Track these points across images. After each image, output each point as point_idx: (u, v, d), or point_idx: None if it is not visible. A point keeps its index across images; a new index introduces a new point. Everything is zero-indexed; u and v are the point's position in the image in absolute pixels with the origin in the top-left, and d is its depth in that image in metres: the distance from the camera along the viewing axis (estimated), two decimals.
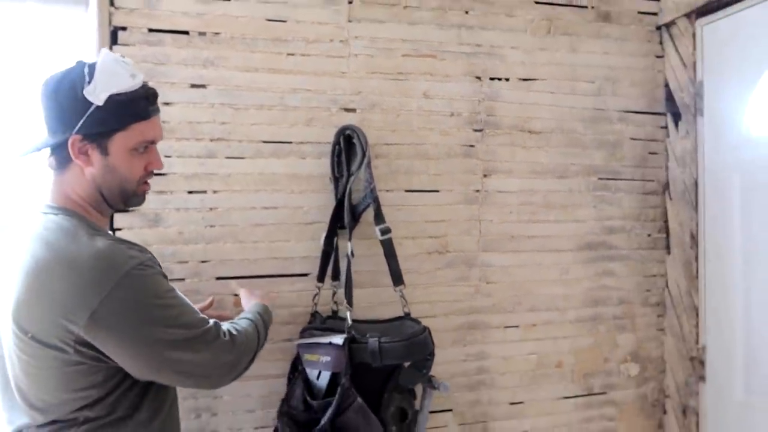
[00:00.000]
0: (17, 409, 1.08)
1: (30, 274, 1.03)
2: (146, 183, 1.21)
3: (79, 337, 1.01)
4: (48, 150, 1.14)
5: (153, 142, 1.18)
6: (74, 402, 1.05)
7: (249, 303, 1.48)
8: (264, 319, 1.38)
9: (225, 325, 1.22)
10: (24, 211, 1.18)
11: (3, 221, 1.22)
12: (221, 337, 1.16)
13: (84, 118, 1.08)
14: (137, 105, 1.12)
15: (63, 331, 1.00)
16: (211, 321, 1.17)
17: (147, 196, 1.24)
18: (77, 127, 1.08)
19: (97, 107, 1.08)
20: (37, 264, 1.03)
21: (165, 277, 1.14)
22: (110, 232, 1.21)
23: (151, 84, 1.60)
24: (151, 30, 1.65)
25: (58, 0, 1.67)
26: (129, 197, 1.18)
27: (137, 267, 1.05)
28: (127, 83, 1.10)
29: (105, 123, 1.09)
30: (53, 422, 1.06)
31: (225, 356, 1.15)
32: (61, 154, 1.12)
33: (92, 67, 1.09)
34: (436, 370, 1.71)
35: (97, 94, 1.07)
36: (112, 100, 1.08)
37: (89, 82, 1.08)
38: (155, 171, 1.21)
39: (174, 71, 1.67)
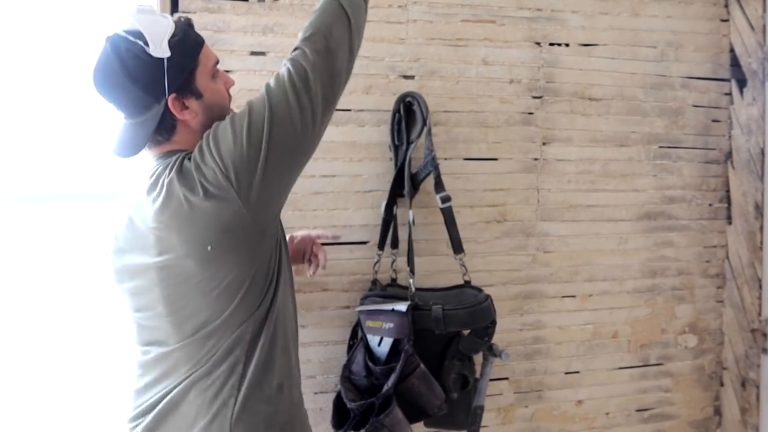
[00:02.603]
0: None
1: None
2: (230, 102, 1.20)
3: None
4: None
5: (217, 62, 1.17)
6: None
7: None
8: None
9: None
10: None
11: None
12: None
13: (167, 75, 1.05)
14: (189, 36, 1.10)
15: None
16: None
17: None
18: (167, 87, 1.05)
19: (169, 59, 1.05)
20: None
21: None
22: None
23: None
24: None
25: None
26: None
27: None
28: (168, 24, 1.07)
29: (183, 68, 1.08)
30: None
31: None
32: (165, 125, 1.09)
33: (133, 33, 1.05)
34: (494, 338, 1.70)
35: (162, 48, 1.05)
36: (173, 45, 1.06)
37: (146, 44, 1.04)
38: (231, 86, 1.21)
39: (234, 39, 1.66)
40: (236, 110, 1.52)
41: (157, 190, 1.06)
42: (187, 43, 1.08)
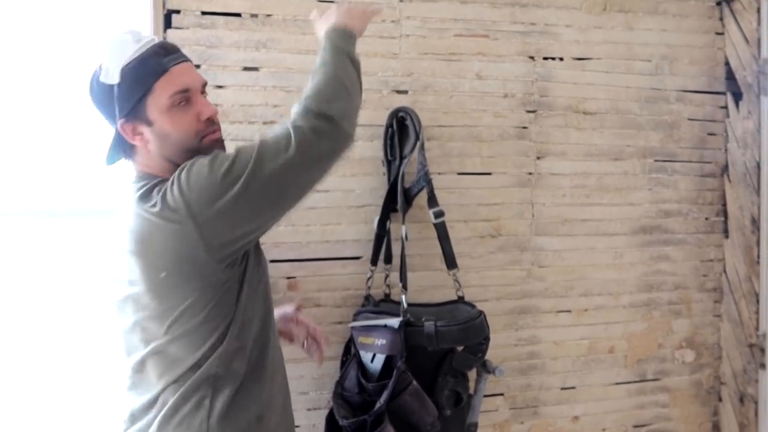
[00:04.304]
0: None
1: None
2: (210, 133, 1.14)
3: None
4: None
5: (186, 91, 1.11)
6: None
7: (320, 31, 1.27)
8: (340, 50, 1.18)
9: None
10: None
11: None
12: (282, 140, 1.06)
13: (115, 101, 1.08)
14: (149, 63, 1.08)
15: None
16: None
17: (222, 146, 1.17)
18: (117, 113, 1.09)
19: (118, 85, 1.07)
20: None
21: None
22: None
23: (204, 67, 1.64)
24: (203, 13, 1.65)
25: None
26: (196, 153, 1.11)
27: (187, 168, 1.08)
28: (131, 50, 1.08)
29: (131, 95, 1.08)
30: None
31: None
32: (123, 146, 1.15)
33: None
34: (488, 354, 1.69)
35: (111, 74, 1.08)
36: (125, 71, 1.07)
37: (101, 68, 1.09)
38: (212, 118, 1.14)
39: (227, 54, 1.66)
40: (230, 125, 1.56)
41: (127, 215, 1.10)
42: (140, 70, 1.08)
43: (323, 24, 1.26)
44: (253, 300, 1.15)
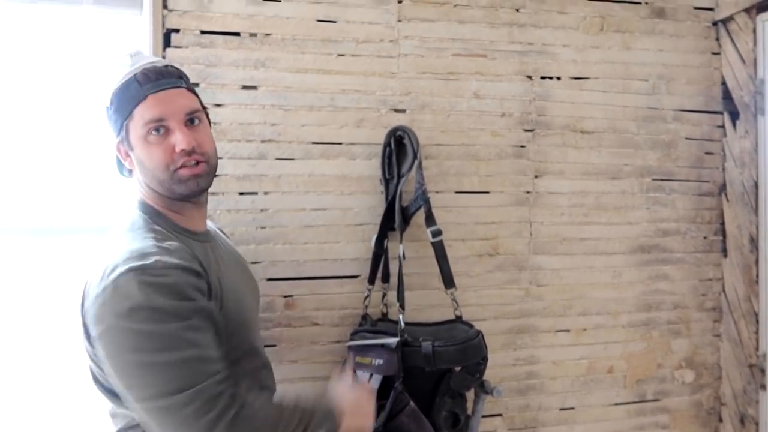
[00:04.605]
0: None
1: None
2: (183, 167, 1.08)
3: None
4: None
5: (159, 120, 1.07)
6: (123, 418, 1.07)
7: (330, 392, 1.26)
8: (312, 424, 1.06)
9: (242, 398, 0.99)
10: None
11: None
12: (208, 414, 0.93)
13: (109, 123, 1.13)
14: (129, 89, 1.08)
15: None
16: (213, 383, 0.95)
17: (203, 181, 1.13)
18: (114, 134, 1.13)
19: (109, 108, 1.11)
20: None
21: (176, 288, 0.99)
22: (161, 233, 1.11)
23: (203, 86, 1.64)
24: (203, 32, 1.66)
25: (113, 3, 1.69)
26: (169, 186, 1.09)
27: (127, 274, 0.96)
28: (123, 73, 1.10)
29: (117, 119, 1.10)
30: None
31: None
32: (123, 164, 1.18)
33: None
34: (486, 374, 1.68)
35: (107, 96, 1.11)
36: (114, 94, 1.09)
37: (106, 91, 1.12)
38: (186, 150, 1.07)
39: (225, 73, 1.67)
40: (228, 144, 1.56)
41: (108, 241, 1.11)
42: (122, 96, 1.08)
43: (338, 390, 1.27)
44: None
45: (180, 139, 1.07)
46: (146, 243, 1.02)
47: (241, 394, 0.97)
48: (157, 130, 1.07)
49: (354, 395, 1.26)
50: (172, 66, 1.15)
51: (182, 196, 1.11)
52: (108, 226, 1.18)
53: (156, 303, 0.93)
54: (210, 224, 1.32)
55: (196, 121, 1.12)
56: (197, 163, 1.10)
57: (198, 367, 0.94)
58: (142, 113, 1.07)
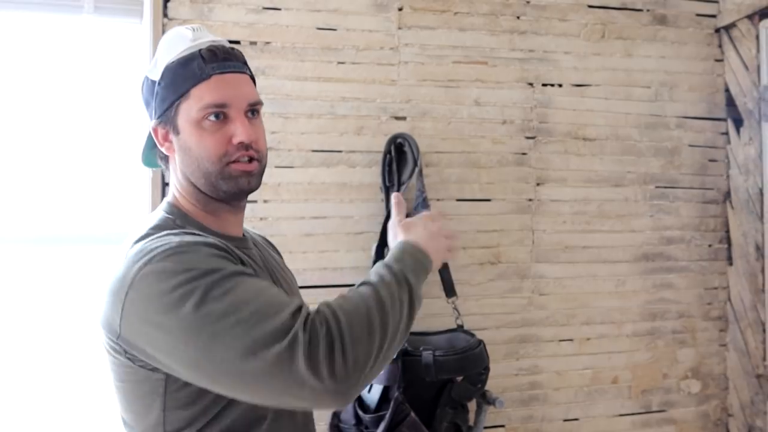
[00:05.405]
0: None
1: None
2: (236, 162, 0.93)
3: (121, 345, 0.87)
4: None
5: (221, 106, 0.93)
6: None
7: (399, 236, 1.03)
8: (399, 279, 0.90)
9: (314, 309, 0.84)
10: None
11: None
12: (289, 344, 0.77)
13: (154, 99, 0.95)
14: (190, 66, 0.93)
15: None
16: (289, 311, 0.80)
17: (254, 180, 0.96)
18: (153, 112, 0.96)
19: (158, 83, 0.94)
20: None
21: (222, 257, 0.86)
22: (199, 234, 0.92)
23: None
24: None
25: (113, 12, 1.69)
26: (214, 181, 0.94)
27: (158, 256, 0.84)
28: (182, 47, 0.94)
29: (166, 97, 0.94)
30: None
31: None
32: (159, 152, 1.00)
33: None
34: (488, 384, 1.65)
35: (156, 69, 0.95)
36: (168, 69, 0.94)
37: (154, 61, 0.96)
38: (245, 142, 0.93)
39: None
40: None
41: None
42: (180, 72, 0.93)
43: (405, 231, 1.03)
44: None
45: (240, 131, 0.93)
46: (165, 240, 0.88)
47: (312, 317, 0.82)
48: (217, 116, 0.93)
49: (410, 223, 1.05)
50: (237, 50, 1.00)
51: (227, 195, 0.96)
52: (119, 234, 1.09)
53: (184, 264, 0.82)
54: (255, 233, 1.17)
55: (256, 114, 0.99)
56: (250, 160, 0.95)
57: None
58: (202, 94, 0.92)
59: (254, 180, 0.96)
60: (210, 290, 0.80)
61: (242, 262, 0.91)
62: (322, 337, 0.79)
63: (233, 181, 0.94)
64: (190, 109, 0.93)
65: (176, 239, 0.87)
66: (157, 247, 0.85)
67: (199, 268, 0.82)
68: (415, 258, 0.96)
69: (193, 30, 0.96)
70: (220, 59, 0.94)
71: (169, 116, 0.94)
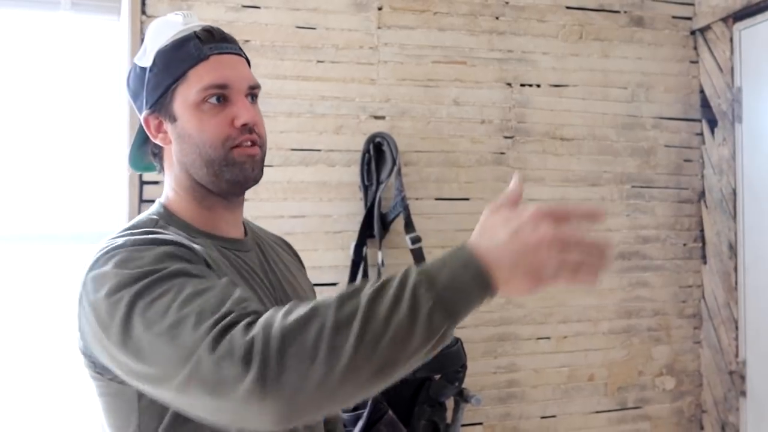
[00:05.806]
0: None
1: None
2: (239, 147, 0.87)
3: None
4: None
5: (222, 87, 0.87)
6: None
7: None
8: (403, 296, 0.62)
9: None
10: None
11: None
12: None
13: (145, 88, 0.89)
14: (186, 47, 0.87)
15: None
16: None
17: (257, 167, 0.89)
18: (143, 102, 0.89)
19: (150, 69, 0.88)
20: None
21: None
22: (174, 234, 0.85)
23: None
24: None
25: (90, 9, 1.67)
26: (217, 169, 0.86)
27: (100, 259, 0.79)
28: (174, 31, 0.89)
29: (160, 82, 0.88)
30: None
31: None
32: (152, 147, 0.93)
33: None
34: (467, 382, 1.67)
35: (146, 56, 0.89)
36: (160, 54, 0.88)
37: (143, 49, 0.90)
38: (248, 124, 0.86)
39: None
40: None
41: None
42: (174, 54, 0.87)
43: (480, 231, 0.70)
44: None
45: (243, 112, 0.87)
46: (119, 240, 0.82)
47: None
48: (218, 99, 0.87)
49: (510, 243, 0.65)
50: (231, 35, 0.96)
51: (229, 185, 0.89)
52: (95, 233, 1.08)
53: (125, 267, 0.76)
54: (271, 234, 1.10)
55: (255, 99, 0.94)
56: (252, 144, 0.89)
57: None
58: (201, 75, 0.86)
59: (257, 167, 0.90)
60: (137, 300, 0.73)
61: (207, 264, 0.83)
62: (239, 352, 0.63)
63: (238, 167, 0.87)
64: (187, 92, 0.87)
65: (130, 239, 0.82)
66: (102, 249, 0.81)
67: (133, 273, 0.75)
68: (454, 274, 0.63)
69: (184, 15, 0.91)
70: (218, 39, 0.89)
71: (164, 103, 0.88)
